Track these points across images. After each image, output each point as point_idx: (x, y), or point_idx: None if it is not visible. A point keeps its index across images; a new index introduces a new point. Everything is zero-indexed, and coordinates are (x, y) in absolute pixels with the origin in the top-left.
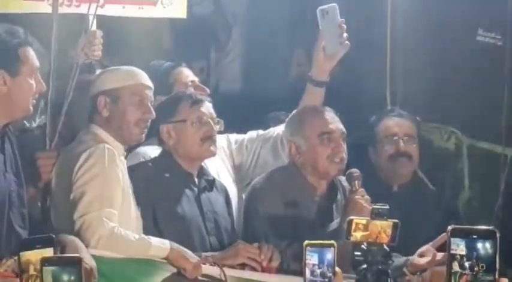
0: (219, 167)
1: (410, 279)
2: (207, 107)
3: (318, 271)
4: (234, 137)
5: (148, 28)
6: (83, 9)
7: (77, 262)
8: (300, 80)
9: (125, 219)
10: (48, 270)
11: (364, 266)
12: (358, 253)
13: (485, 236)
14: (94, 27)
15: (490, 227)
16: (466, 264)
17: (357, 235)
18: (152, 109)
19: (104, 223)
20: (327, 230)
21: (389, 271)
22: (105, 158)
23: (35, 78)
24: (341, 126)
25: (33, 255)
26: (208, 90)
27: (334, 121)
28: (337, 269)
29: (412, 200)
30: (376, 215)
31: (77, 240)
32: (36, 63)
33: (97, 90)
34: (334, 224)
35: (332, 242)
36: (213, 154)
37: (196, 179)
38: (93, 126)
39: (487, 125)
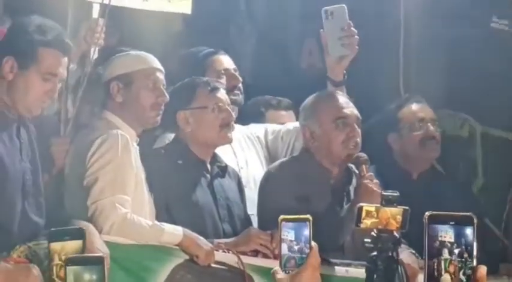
0: (248, 156)
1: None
2: (223, 94)
3: (296, 247)
4: (272, 127)
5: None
6: None
7: (100, 261)
8: (310, 69)
9: (137, 205)
10: (71, 269)
11: (375, 253)
12: (368, 240)
13: (464, 222)
14: (96, 15)
15: (468, 213)
16: (456, 251)
17: (367, 222)
18: (165, 92)
19: (117, 209)
20: (340, 215)
21: (399, 258)
22: (118, 144)
23: (50, 84)
24: (356, 112)
25: (62, 246)
26: (240, 79)
27: (348, 106)
28: (313, 243)
29: (431, 188)
30: (386, 201)
31: (90, 226)
32: (57, 70)
33: (109, 76)
34: (343, 211)
35: (307, 216)
36: (230, 141)
37: (209, 166)
38: (106, 112)
39: (500, 112)
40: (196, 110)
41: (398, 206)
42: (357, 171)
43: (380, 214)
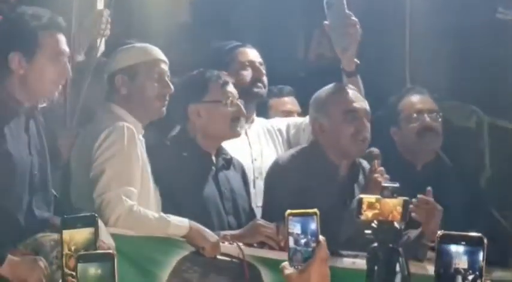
0: (265, 148)
1: (430, 257)
2: (233, 88)
3: (302, 241)
4: (294, 120)
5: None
6: None
7: (110, 258)
8: (319, 59)
9: (143, 197)
10: (81, 266)
11: (375, 244)
12: (369, 231)
13: (475, 243)
14: (101, 6)
15: (479, 235)
16: (470, 277)
17: (369, 214)
18: (170, 83)
19: (123, 201)
20: (346, 209)
21: (400, 249)
22: (124, 136)
23: (59, 63)
24: (365, 105)
25: (74, 234)
26: (264, 73)
27: (358, 100)
28: (321, 237)
29: (436, 179)
30: (386, 192)
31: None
32: (61, 48)
33: (113, 68)
34: (354, 203)
35: (315, 210)
36: (239, 135)
37: (214, 158)
38: (111, 105)
39: (507, 103)
40: (209, 104)
41: (399, 197)
42: (364, 166)
43: (382, 205)
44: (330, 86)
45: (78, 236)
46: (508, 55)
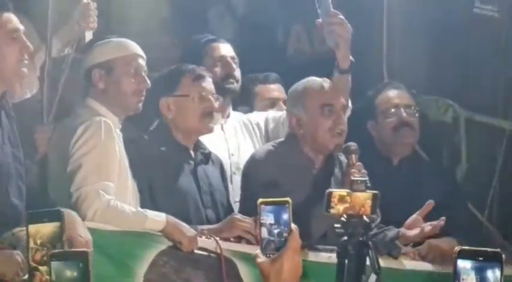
0: (242, 143)
1: (406, 252)
2: (208, 83)
3: (276, 231)
4: (272, 114)
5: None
6: None
7: (84, 256)
8: (299, 55)
9: (121, 192)
10: (55, 264)
11: (345, 238)
12: (338, 225)
13: (492, 258)
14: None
15: (497, 250)
16: None
17: (340, 208)
18: (147, 79)
19: (100, 196)
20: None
21: (370, 243)
22: (101, 131)
23: (17, 40)
24: (342, 99)
25: (40, 228)
26: (235, 67)
27: (335, 93)
28: (293, 225)
29: (412, 174)
30: (355, 186)
31: (73, 212)
32: (14, 25)
33: (91, 63)
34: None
35: (287, 199)
36: (211, 131)
37: (192, 152)
38: (88, 99)
39: (484, 98)
40: (179, 98)
41: (368, 191)
42: (342, 160)
43: (352, 199)
44: (307, 79)
45: (44, 230)
46: (485, 50)
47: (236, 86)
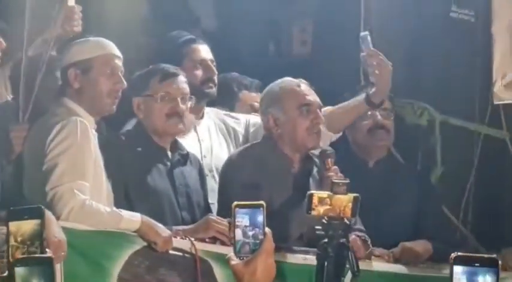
0: (215, 145)
1: (380, 254)
2: (178, 83)
3: (250, 233)
4: (254, 119)
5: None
6: None
7: (49, 262)
8: (301, 58)
9: (96, 192)
10: (19, 270)
11: (325, 240)
12: (319, 227)
13: (488, 264)
14: (72, 2)
15: (493, 256)
16: None
17: (320, 210)
18: (123, 79)
19: (75, 195)
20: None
21: (349, 245)
22: (77, 130)
23: None
24: (318, 99)
25: (21, 225)
26: (216, 72)
27: (311, 93)
28: (267, 229)
29: (388, 176)
30: (336, 188)
31: (48, 212)
32: None
33: (67, 62)
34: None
35: (261, 202)
36: (179, 131)
37: (169, 153)
38: (64, 99)
39: (460, 102)
40: (146, 98)
41: (349, 193)
42: (317, 161)
43: (333, 201)
44: (282, 80)
45: (24, 227)
46: (461, 53)
47: (214, 90)
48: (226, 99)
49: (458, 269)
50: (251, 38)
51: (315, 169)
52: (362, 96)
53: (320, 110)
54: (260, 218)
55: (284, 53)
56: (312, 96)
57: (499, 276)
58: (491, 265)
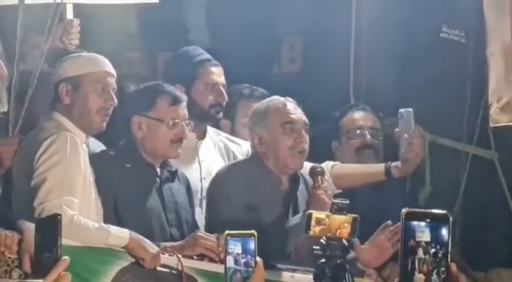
0: (214, 167)
1: (369, 274)
2: (183, 108)
3: (242, 260)
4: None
5: (117, 14)
6: None
7: None
8: (290, 76)
9: (85, 207)
10: None
11: (323, 260)
12: (317, 247)
13: (440, 220)
14: (71, 16)
15: (444, 211)
16: (431, 251)
17: (316, 229)
18: (114, 97)
19: (63, 211)
20: (288, 224)
21: (347, 266)
22: (67, 145)
23: None
24: (304, 117)
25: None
26: (226, 98)
27: (296, 112)
28: (258, 258)
29: (375, 195)
30: (336, 209)
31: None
32: None
33: (59, 77)
34: (296, 218)
35: (252, 231)
36: (178, 156)
37: (158, 170)
38: (55, 113)
39: (449, 122)
40: (152, 121)
41: (348, 214)
42: (307, 179)
43: (330, 222)
44: (270, 98)
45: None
46: (451, 74)
47: (221, 116)
48: (226, 110)
49: (408, 224)
50: (240, 56)
51: (303, 187)
52: (381, 166)
53: (306, 130)
54: (252, 246)
55: (273, 71)
56: (297, 115)
57: (450, 231)
58: (442, 221)
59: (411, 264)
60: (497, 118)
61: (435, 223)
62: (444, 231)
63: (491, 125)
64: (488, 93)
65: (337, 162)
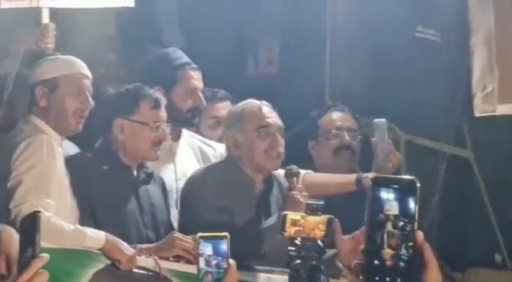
0: (189, 168)
1: (345, 275)
2: (163, 111)
3: (213, 262)
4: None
5: (94, 18)
6: (25, 3)
7: None
8: (267, 78)
9: (61, 209)
10: None
11: (298, 261)
12: (292, 248)
13: (406, 186)
14: (47, 20)
15: (412, 177)
16: (400, 224)
17: (291, 230)
18: (90, 99)
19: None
20: (263, 226)
21: (322, 267)
22: (43, 148)
23: None
24: (279, 121)
25: None
26: (204, 103)
27: (271, 115)
28: (231, 260)
29: (353, 196)
30: (310, 210)
31: (11, 229)
32: None
33: (36, 79)
34: (271, 219)
35: (225, 233)
36: (157, 158)
37: (135, 172)
38: (31, 116)
39: (425, 121)
40: (135, 124)
41: (323, 215)
42: (281, 181)
43: (305, 223)
44: (245, 101)
45: None
46: (427, 74)
47: (197, 119)
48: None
49: (375, 193)
50: (216, 58)
51: (276, 189)
52: (352, 177)
53: (281, 134)
54: (224, 248)
55: (250, 73)
56: (272, 119)
57: (417, 200)
58: (409, 188)
59: (380, 239)
60: (483, 107)
61: (403, 193)
62: (412, 204)
63: (477, 114)
64: (472, 85)
65: (309, 171)
